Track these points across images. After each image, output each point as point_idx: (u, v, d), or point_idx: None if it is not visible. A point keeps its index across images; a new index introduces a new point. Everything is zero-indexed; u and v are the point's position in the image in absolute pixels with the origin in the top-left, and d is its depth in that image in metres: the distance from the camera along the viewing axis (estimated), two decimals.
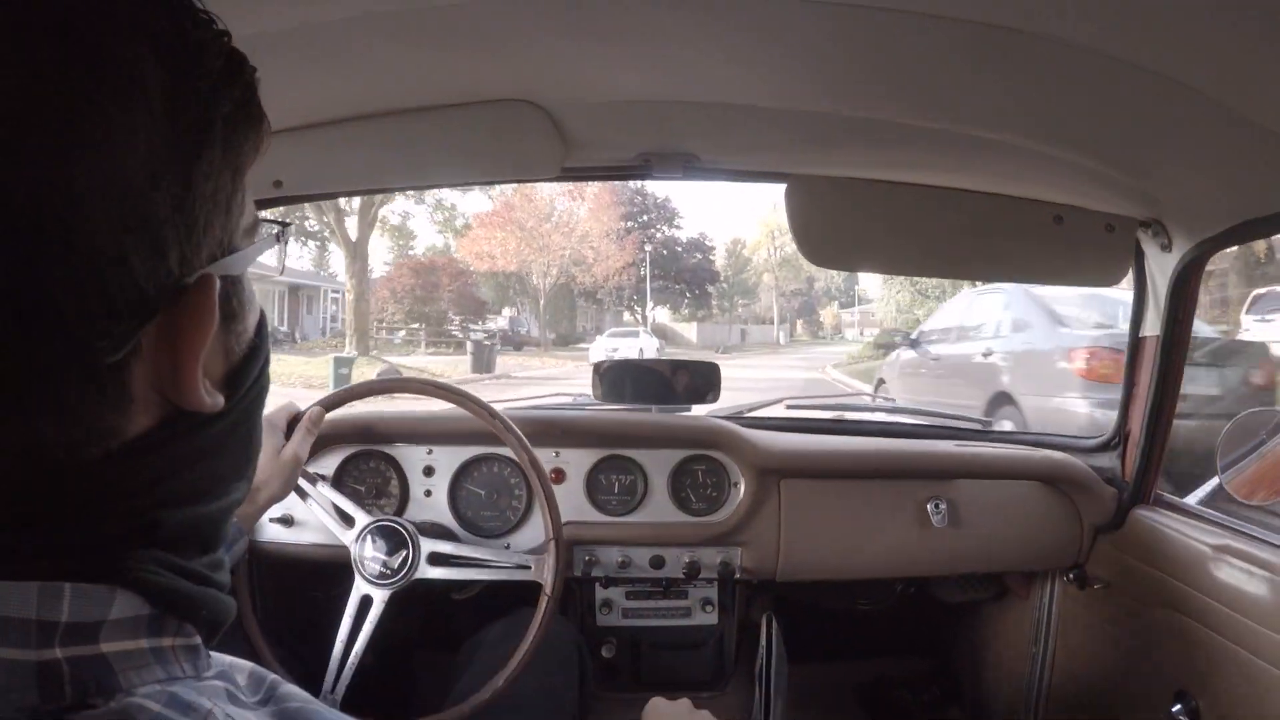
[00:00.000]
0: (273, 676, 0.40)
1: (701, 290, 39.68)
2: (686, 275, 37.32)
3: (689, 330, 39.89)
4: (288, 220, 0.46)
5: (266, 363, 0.41)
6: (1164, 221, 1.15)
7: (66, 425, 0.31)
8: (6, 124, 0.27)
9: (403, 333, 23.22)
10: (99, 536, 0.33)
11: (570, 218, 26.71)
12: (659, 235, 36.68)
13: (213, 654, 0.39)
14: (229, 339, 0.38)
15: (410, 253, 28.67)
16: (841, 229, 1.18)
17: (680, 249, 37.99)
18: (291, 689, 0.40)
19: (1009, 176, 1.13)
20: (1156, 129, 0.90)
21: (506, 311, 29.99)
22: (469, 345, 17.89)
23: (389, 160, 1.17)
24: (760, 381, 11.29)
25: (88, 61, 0.28)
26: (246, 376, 0.39)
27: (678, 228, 38.40)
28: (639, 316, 35.31)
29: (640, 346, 20.15)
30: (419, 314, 23.39)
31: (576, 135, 1.09)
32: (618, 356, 1.48)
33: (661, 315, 42.12)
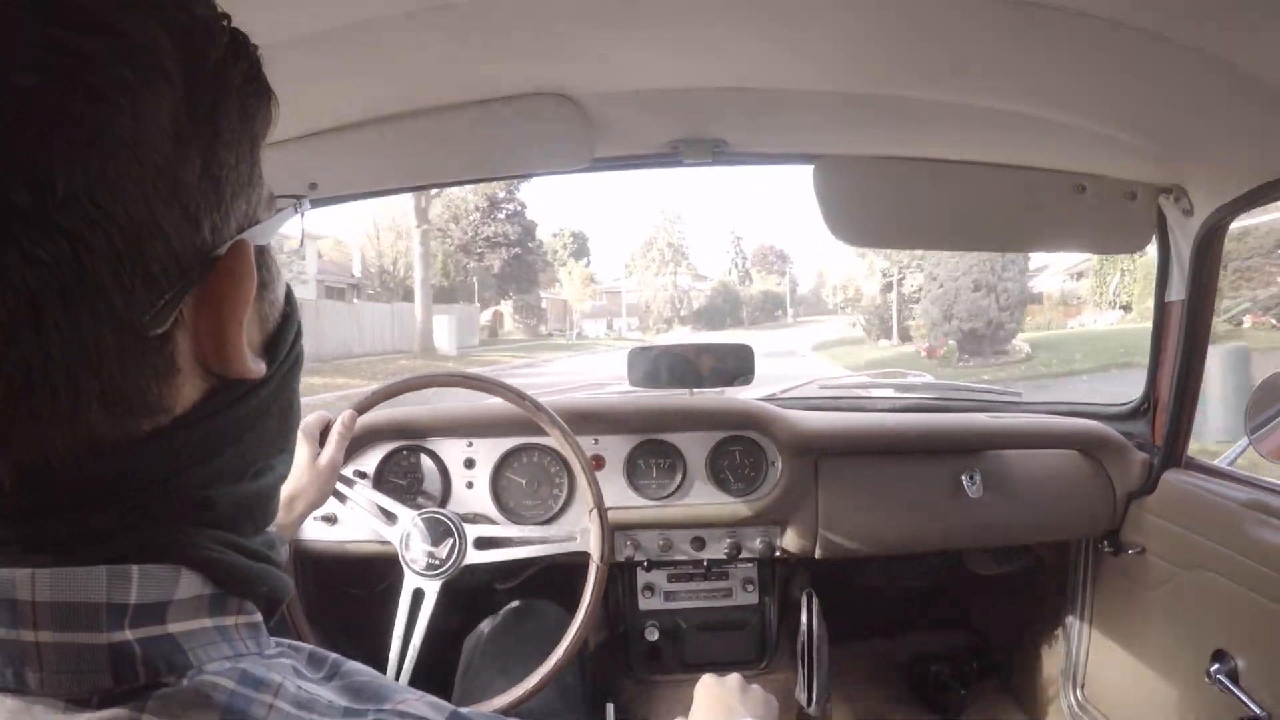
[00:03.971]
0: (334, 656, 0.40)
1: None
2: None
3: None
4: (302, 195, 0.47)
5: (300, 330, 0.42)
6: (1185, 187, 1.17)
7: (115, 402, 0.31)
8: (40, 113, 0.28)
9: None
10: (156, 516, 0.33)
11: None
12: None
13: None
14: (263, 307, 0.39)
15: None
16: (869, 207, 1.19)
17: None
18: (355, 665, 0.40)
19: (1032, 147, 1.15)
20: (1178, 96, 0.92)
21: None
22: None
23: (421, 158, 1.18)
24: None
25: (110, 45, 0.29)
26: (283, 343, 0.40)
27: None
28: None
29: None
30: None
31: (607, 125, 1.10)
32: None
33: None
